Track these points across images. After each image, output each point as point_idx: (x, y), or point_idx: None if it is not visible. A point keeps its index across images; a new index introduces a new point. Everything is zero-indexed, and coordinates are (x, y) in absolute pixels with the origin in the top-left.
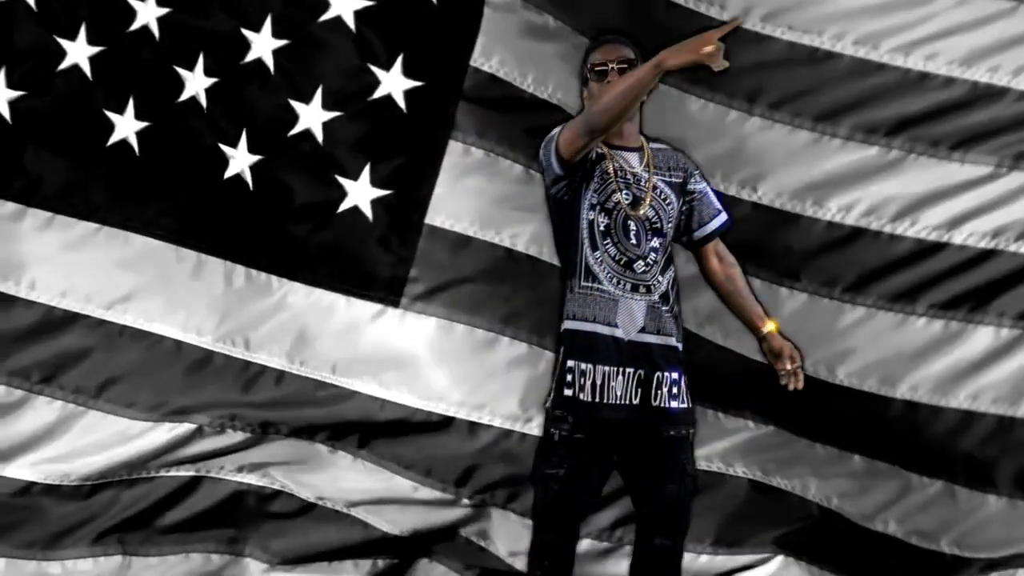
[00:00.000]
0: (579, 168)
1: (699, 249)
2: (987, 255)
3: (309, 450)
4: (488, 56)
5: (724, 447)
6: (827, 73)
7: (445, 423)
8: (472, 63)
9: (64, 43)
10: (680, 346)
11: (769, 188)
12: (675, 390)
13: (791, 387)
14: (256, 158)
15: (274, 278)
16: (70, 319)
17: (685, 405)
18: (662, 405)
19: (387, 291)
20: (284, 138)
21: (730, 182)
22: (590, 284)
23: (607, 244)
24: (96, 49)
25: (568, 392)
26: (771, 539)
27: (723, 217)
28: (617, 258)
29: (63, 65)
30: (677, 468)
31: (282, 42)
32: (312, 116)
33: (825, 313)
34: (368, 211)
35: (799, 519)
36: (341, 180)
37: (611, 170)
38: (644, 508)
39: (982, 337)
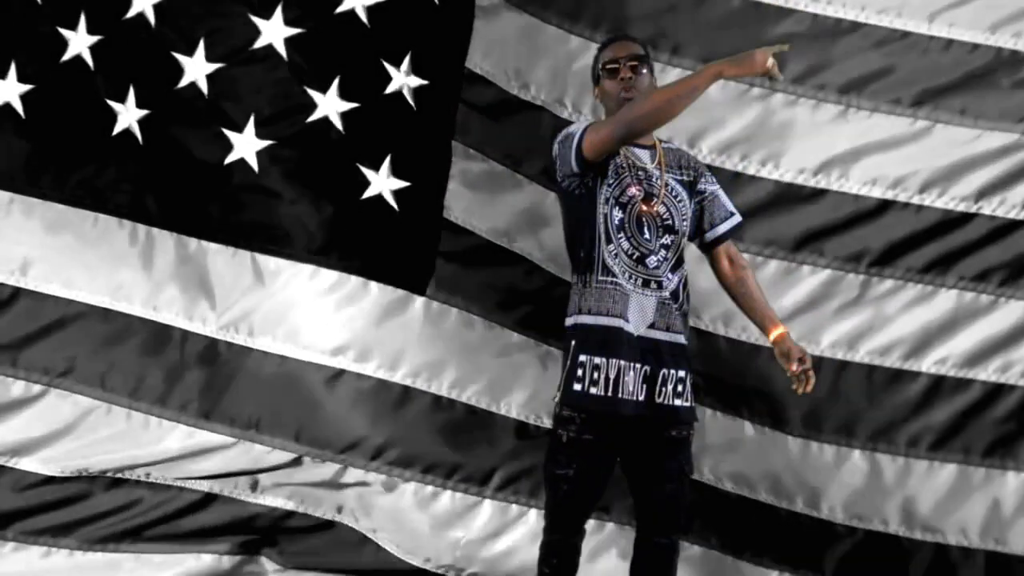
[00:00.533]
0: (598, 166)
1: (711, 250)
2: (1017, 225)
3: (322, 472)
4: (481, 58)
5: (713, 459)
6: (852, 44)
7: (469, 414)
8: (467, 65)
9: (66, 33)
10: (688, 344)
11: (793, 164)
12: (680, 388)
13: (800, 391)
14: (265, 143)
15: (283, 262)
16: (83, 312)
17: (688, 404)
18: (667, 403)
19: (414, 279)
20: (300, 125)
21: (750, 160)
22: (606, 278)
23: (621, 239)
24: (96, 38)
25: (579, 387)
26: (766, 552)
27: (736, 219)
28: (630, 252)
29: (66, 56)
30: (676, 468)
31: (295, 31)
32: (330, 105)
33: (850, 288)
34: (392, 201)
35: (791, 531)
36: (364, 170)
37: (625, 165)
38: (643, 507)
39: (1013, 310)
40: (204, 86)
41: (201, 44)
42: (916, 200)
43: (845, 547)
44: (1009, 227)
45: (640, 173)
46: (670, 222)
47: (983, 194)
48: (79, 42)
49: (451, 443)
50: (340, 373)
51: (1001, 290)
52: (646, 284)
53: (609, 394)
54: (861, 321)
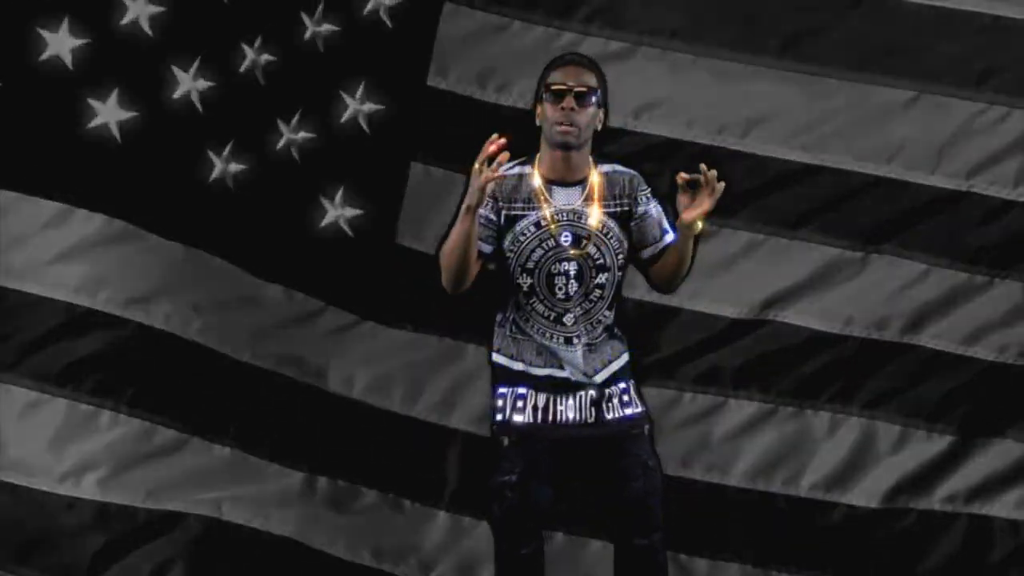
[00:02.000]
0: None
1: (643, 267)
2: (1009, 206)
3: (286, 482)
4: (444, 75)
5: (687, 448)
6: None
7: (422, 430)
8: (429, 83)
9: (45, 34)
10: (627, 358)
11: (795, 143)
12: (626, 398)
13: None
14: (240, 167)
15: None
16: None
17: (639, 410)
18: (616, 416)
19: (365, 305)
20: (270, 151)
21: (748, 138)
22: (521, 335)
23: (533, 302)
24: (80, 41)
25: (500, 417)
26: (729, 545)
27: (669, 237)
28: (545, 314)
29: (44, 56)
30: (638, 464)
31: (270, 57)
32: (291, 135)
33: (850, 265)
34: (347, 228)
35: (763, 520)
36: (321, 199)
37: (533, 221)
38: (613, 509)
39: (1009, 290)
40: (197, 101)
41: (196, 62)
42: (910, 177)
43: (820, 529)
44: (1002, 207)
45: (568, 215)
46: (602, 261)
47: (975, 171)
48: (59, 43)
49: (404, 462)
50: (310, 388)
51: (995, 271)
52: (567, 341)
53: (538, 421)
54: (857, 299)
